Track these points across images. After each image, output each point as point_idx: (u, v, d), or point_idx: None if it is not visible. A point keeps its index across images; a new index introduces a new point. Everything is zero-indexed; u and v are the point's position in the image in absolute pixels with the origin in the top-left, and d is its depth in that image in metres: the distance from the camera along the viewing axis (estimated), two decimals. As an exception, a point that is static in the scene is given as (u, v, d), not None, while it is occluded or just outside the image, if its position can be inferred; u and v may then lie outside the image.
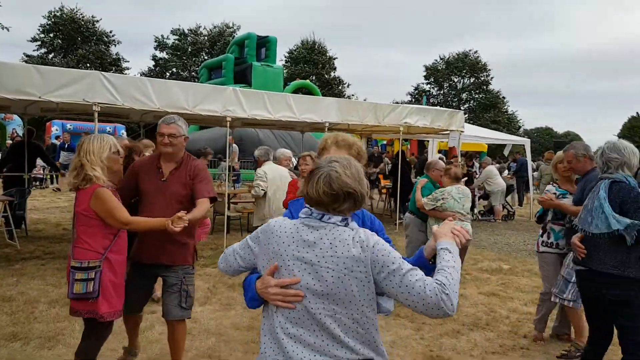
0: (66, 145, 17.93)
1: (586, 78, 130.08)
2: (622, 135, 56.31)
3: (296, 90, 26.53)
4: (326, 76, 48.28)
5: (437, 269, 1.83)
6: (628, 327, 3.28)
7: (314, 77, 45.16)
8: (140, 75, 43.45)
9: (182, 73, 47.49)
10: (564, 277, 4.54)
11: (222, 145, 12.18)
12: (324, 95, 33.02)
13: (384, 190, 14.73)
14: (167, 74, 46.83)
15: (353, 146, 2.50)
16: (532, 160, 18.50)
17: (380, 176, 15.24)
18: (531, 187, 15.86)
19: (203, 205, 3.59)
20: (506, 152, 21.32)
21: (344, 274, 1.80)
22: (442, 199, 5.74)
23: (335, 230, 1.86)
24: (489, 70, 54.27)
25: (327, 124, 10.04)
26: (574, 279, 4.18)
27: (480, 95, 54.04)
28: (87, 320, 3.29)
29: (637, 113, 57.61)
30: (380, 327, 5.41)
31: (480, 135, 15.27)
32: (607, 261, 3.30)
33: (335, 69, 49.90)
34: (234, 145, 16.04)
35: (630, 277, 3.23)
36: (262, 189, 6.68)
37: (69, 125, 25.77)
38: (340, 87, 49.19)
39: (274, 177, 6.79)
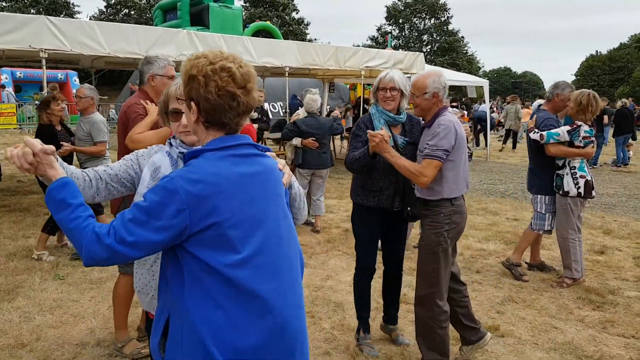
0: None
1: (546, 16, 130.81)
2: (580, 74, 57.52)
3: (256, 33, 25.65)
4: (287, 18, 46.94)
5: None
6: None
7: (275, 19, 43.82)
8: (90, 19, 41.22)
9: (135, 16, 45.20)
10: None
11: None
12: (285, 38, 32.20)
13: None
14: (120, 15, 44.55)
15: None
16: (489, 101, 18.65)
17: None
18: (488, 129, 16.15)
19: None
20: (472, 95, 21.40)
21: None
22: None
23: None
24: (449, 9, 54.09)
25: (287, 69, 9.88)
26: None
27: (441, 37, 53.86)
28: None
29: (597, 51, 58.50)
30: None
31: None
32: None
33: (297, 10, 48.54)
34: None
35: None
36: None
37: (19, 73, 24.50)
38: (301, 27, 48.02)
39: None
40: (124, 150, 3.22)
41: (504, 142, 18.17)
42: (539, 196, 5.09)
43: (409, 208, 3.45)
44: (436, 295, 3.17)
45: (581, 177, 4.82)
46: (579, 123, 4.82)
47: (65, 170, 1.76)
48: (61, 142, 5.37)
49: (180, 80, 1.93)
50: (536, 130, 4.93)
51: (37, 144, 1.60)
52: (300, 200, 1.93)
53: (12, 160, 1.61)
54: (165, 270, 1.64)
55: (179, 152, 2.03)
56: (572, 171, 4.83)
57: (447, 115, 3.17)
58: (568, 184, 4.83)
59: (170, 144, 2.08)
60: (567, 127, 4.82)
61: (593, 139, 4.88)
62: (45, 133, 5.35)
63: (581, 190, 4.80)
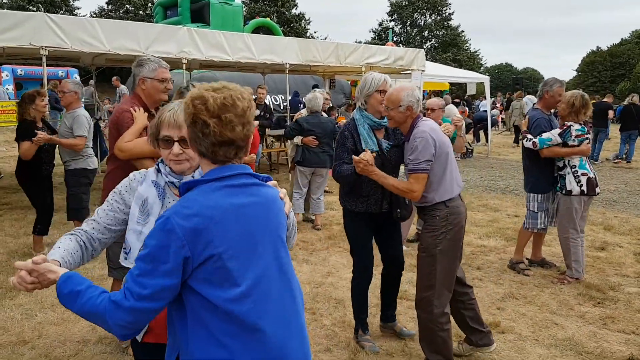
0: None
1: (547, 13, 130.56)
2: (581, 70, 57.36)
3: (256, 30, 25.64)
4: (287, 13, 46.78)
5: None
6: None
7: (274, 16, 43.71)
8: (91, 15, 41.15)
9: (132, 14, 45.08)
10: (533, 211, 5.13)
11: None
12: (285, 34, 32.15)
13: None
14: (120, 11, 44.44)
15: None
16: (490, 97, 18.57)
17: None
18: (489, 126, 16.12)
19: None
20: (472, 91, 21.36)
21: None
22: None
23: None
24: (449, 4, 53.84)
25: (287, 65, 9.86)
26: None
27: (442, 32, 53.65)
28: None
29: (597, 47, 58.27)
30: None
31: (441, 74, 15.30)
32: None
33: (296, 5, 48.35)
34: (122, 87, 15.98)
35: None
36: None
37: (20, 70, 24.48)
38: (301, 24, 47.83)
39: None
40: (114, 156, 3.20)
41: (516, 140, 17.75)
42: (531, 194, 5.11)
43: (397, 210, 3.51)
44: (434, 297, 3.20)
45: (582, 174, 4.83)
46: (569, 123, 4.85)
47: (63, 257, 1.76)
48: (35, 131, 5.22)
49: (174, 106, 1.91)
50: (528, 137, 4.97)
51: (27, 263, 1.62)
52: (292, 228, 1.92)
53: (19, 289, 1.63)
54: (171, 312, 1.63)
55: (168, 181, 1.95)
56: (573, 170, 4.84)
57: (421, 126, 3.23)
58: (570, 183, 4.84)
59: (158, 170, 1.98)
60: (558, 130, 4.87)
61: (587, 135, 4.90)
62: (29, 129, 5.25)
63: (584, 188, 4.81)
